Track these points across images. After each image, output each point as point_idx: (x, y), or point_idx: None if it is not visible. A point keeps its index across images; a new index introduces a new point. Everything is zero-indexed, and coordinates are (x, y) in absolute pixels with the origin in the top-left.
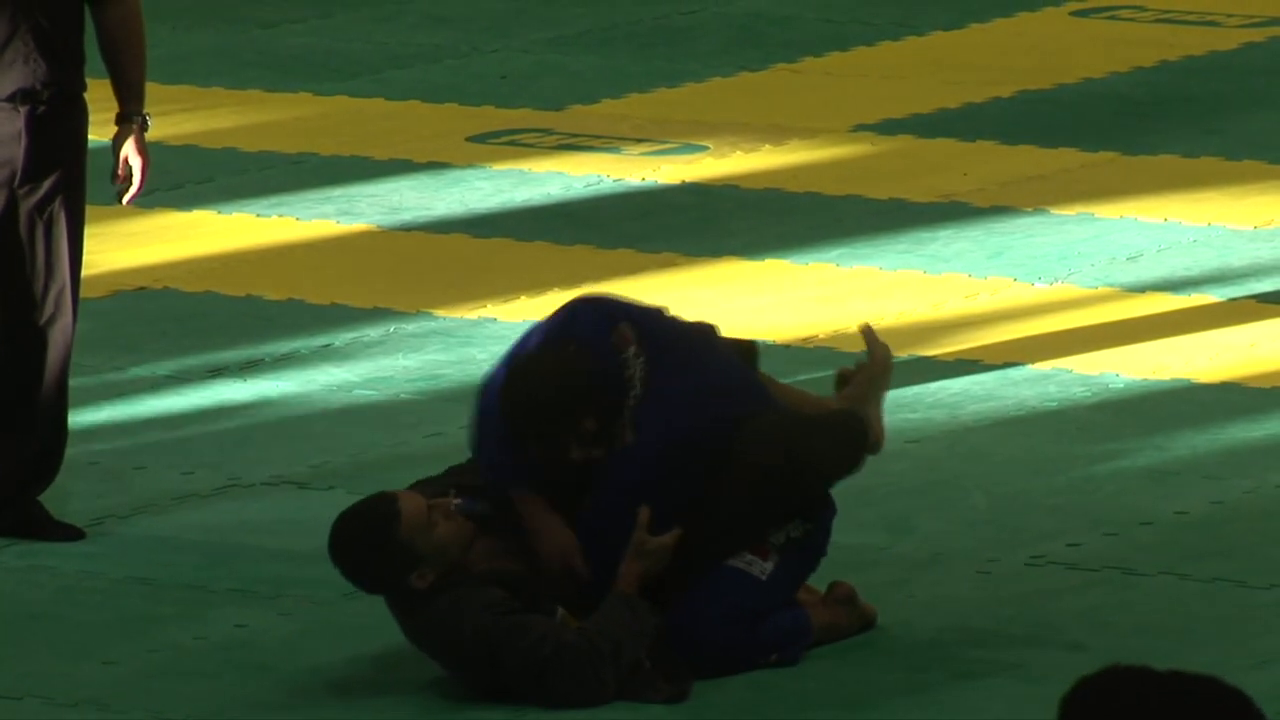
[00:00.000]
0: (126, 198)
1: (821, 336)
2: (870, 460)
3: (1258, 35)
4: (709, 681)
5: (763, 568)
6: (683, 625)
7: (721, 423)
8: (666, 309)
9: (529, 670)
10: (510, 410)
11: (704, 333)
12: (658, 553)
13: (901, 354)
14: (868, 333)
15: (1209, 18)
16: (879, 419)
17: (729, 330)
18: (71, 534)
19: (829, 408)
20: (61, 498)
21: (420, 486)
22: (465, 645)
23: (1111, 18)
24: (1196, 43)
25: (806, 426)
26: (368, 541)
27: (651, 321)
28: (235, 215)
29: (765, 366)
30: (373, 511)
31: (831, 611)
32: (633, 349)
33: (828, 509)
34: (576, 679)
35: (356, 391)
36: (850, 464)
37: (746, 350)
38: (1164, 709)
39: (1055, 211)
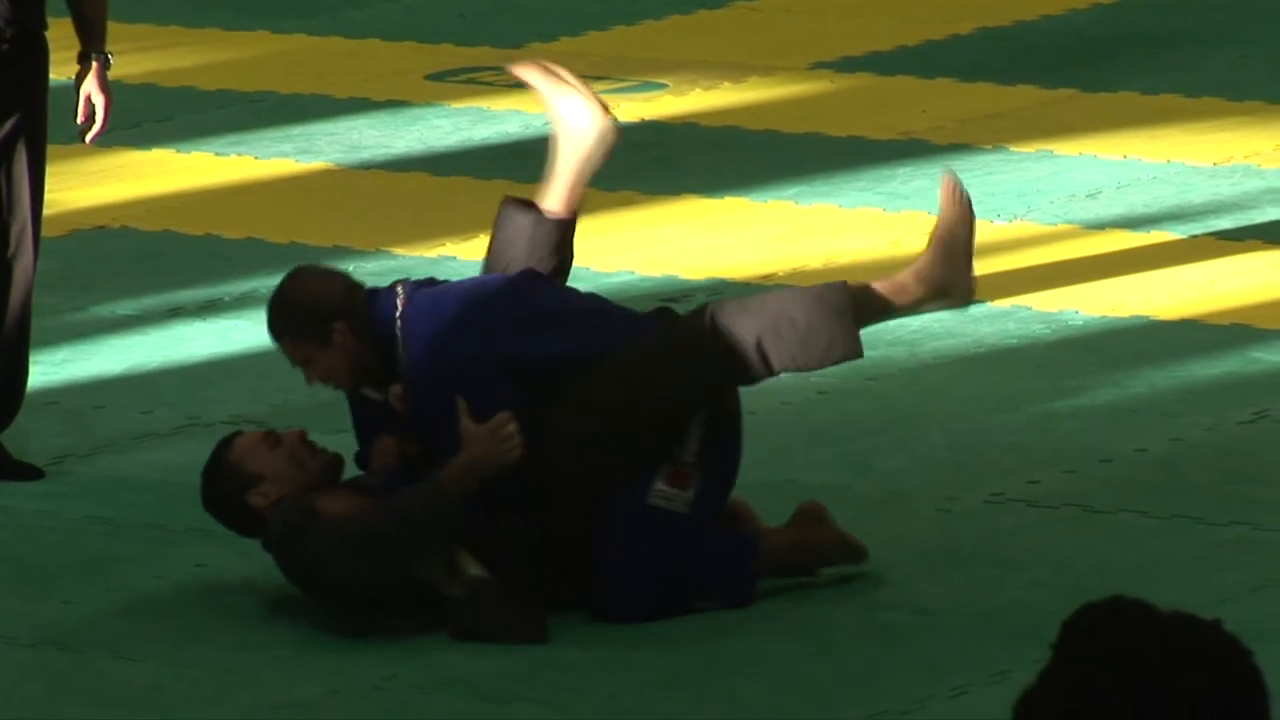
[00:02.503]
0: (90, 136)
1: (781, 274)
2: (828, 398)
3: None
4: (666, 622)
5: (685, 499)
6: (608, 582)
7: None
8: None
9: (321, 570)
10: (270, 305)
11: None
12: (483, 438)
13: None
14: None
15: None
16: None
17: (689, 270)
18: (30, 473)
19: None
20: (21, 437)
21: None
22: (276, 555)
23: None
24: None
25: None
26: (205, 475)
27: (428, 281)
28: (194, 154)
29: None
30: (212, 454)
31: (796, 530)
32: (401, 288)
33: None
34: (356, 576)
35: None
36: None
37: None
38: (1165, 645)
39: (1014, 149)
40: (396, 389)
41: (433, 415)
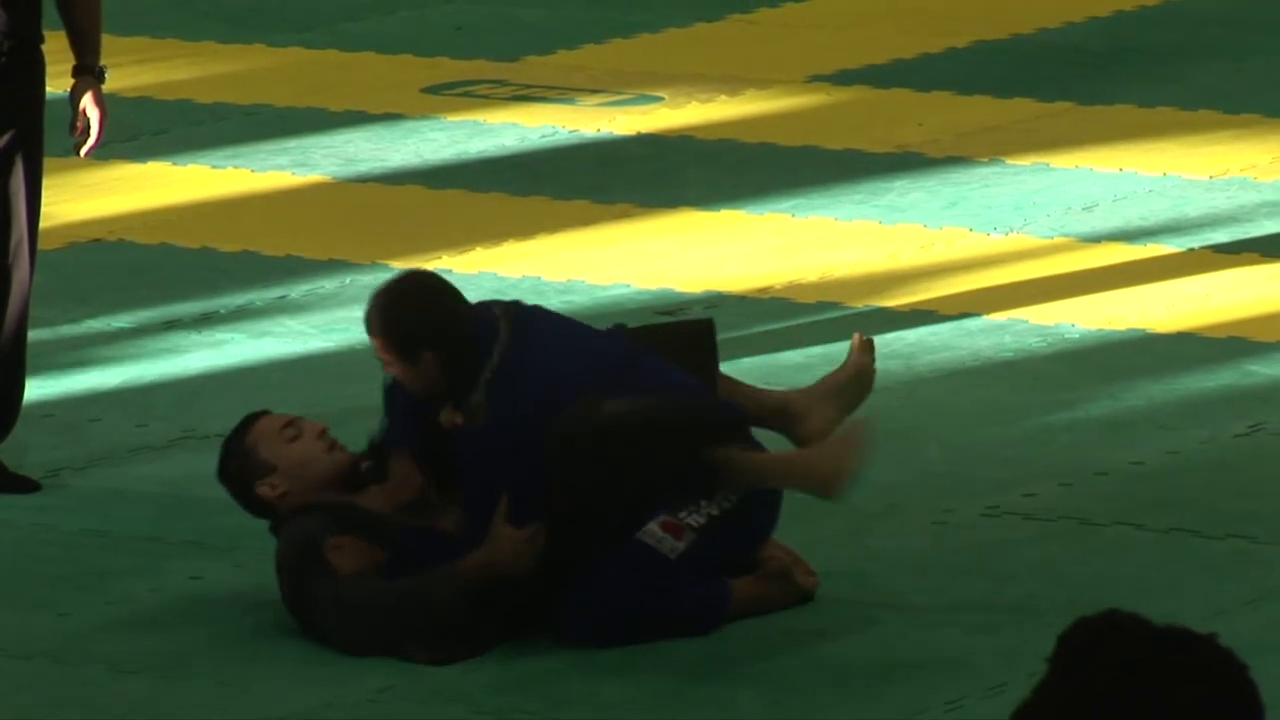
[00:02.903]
0: (84, 150)
1: (777, 287)
2: None
3: None
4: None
5: (673, 546)
6: (572, 598)
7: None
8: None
9: (318, 617)
10: (374, 306)
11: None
12: (508, 545)
13: (857, 304)
14: (858, 342)
15: None
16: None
17: (685, 283)
18: (27, 486)
19: (770, 400)
20: (17, 450)
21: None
22: (278, 566)
23: None
24: None
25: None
26: (222, 456)
27: (522, 308)
28: (190, 167)
29: (722, 318)
30: (233, 431)
31: (761, 586)
32: (501, 325)
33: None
34: (346, 631)
35: (312, 343)
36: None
37: (703, 329)
38: (1160, 659)
39: (1011, 162)
40: (451, 415)
41: (479, 475)
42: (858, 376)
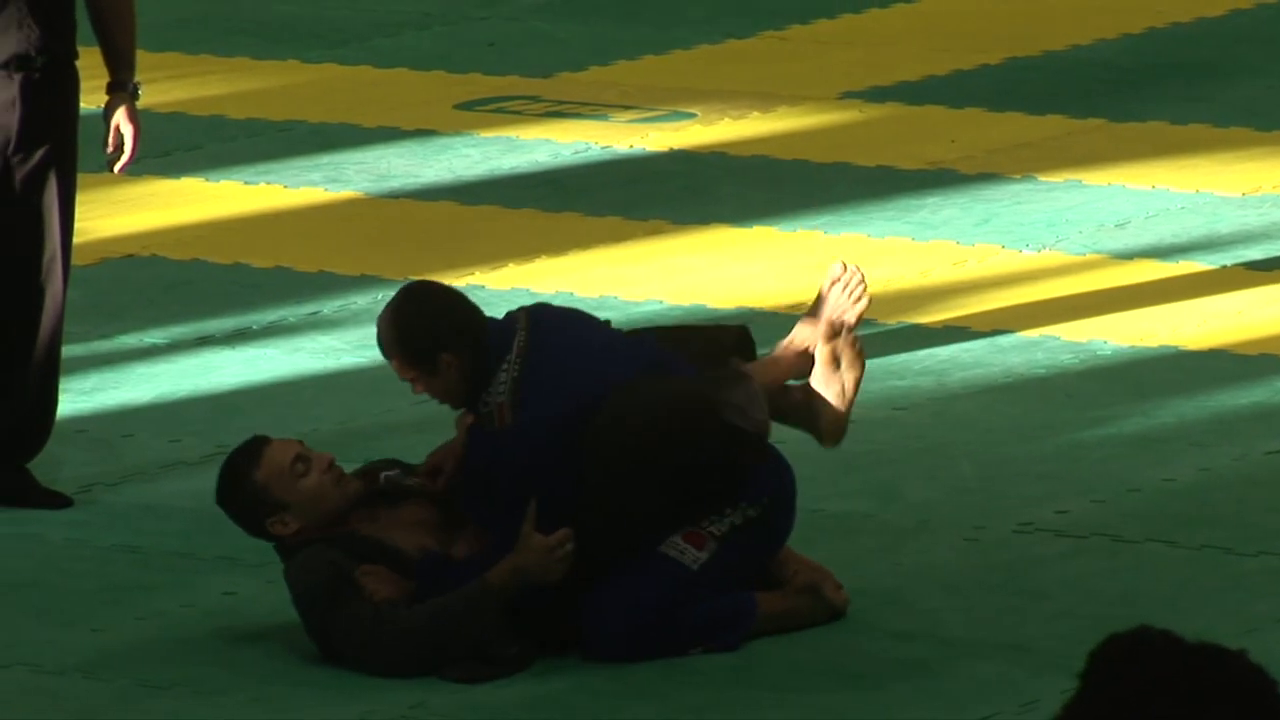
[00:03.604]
0: (118, 166)
1: (809, 304)
2: (856, 427)
3: (1245, 2)
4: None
5: (695, 556)
6: (596, 611)
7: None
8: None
9: (349, 642)
10: (381, 321)
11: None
12: (538, 551)
13: (889, 321)
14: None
15: None
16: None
17: (717, 299)
18: (59, 502)
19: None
20: (50, 465)
21: (374, 463)
22: (302, 605)
23: None
24: (1184, 10)
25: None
26: (227, 486)
27: (544, 311)
28: (223, 183)
29: (754, 334)
30: (236, 456)
31: (790, 601)
32: (520, 326)
33: (774, 492)
34: (386, 658)
35: (344, 359)
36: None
37: (738, 336)
38: (1191, 676)
39: (1043, 178)
40: (466, 418)
41: (508, 481)
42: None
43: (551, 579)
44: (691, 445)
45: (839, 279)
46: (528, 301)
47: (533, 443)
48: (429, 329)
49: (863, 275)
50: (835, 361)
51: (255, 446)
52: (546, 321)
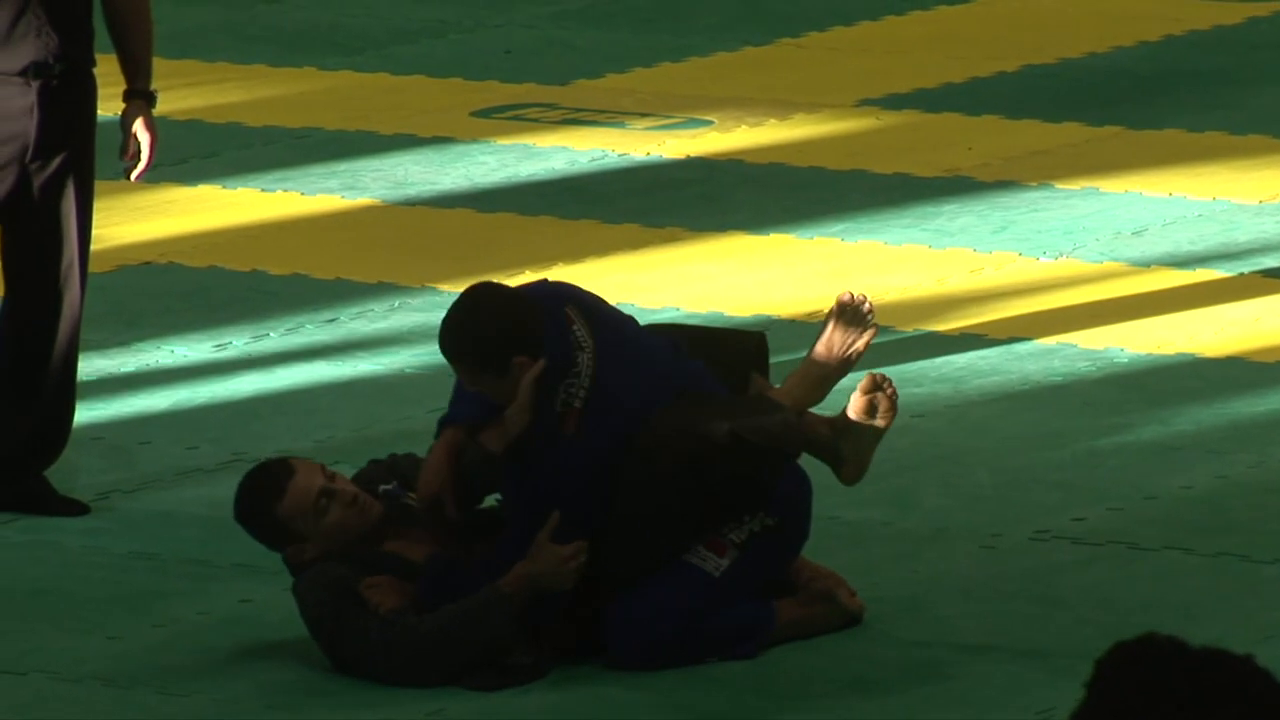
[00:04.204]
0: (135, 174)
1: (826, 312)
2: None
3: (1263, 10)
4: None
5: (717, 564)
6: (621, 619)
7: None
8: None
9: (361, 657)
10: (450, 326)
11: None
12: (552, 560)
13: (906, 328)
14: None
15: None
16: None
17: (734, 307)
18: (76, 509)
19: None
20: (67, 473)
21: (373, 466)
22: (311, 623)
23: None
24: (1201, 17)
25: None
26: (248, 511)
27: (596, 311)
28: (240, 190)
29: (771, 342)
30: (259, 483)
31: (806, 609)
32: (578, 329)
33: (791, 500)
34: (401, 670)
35: (361, 366)
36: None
37: (757, 344)
38: (1196, 681)
39: (1060, 186)
40: (533, 372)
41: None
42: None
43: (562, 587)
44: (726, 473)
45: (846, 306)
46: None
47: (599, 457)
48: (499, 333)
49: (870, 304)
50: (870, 411)
51: (279, 476)
52: (599, 324)
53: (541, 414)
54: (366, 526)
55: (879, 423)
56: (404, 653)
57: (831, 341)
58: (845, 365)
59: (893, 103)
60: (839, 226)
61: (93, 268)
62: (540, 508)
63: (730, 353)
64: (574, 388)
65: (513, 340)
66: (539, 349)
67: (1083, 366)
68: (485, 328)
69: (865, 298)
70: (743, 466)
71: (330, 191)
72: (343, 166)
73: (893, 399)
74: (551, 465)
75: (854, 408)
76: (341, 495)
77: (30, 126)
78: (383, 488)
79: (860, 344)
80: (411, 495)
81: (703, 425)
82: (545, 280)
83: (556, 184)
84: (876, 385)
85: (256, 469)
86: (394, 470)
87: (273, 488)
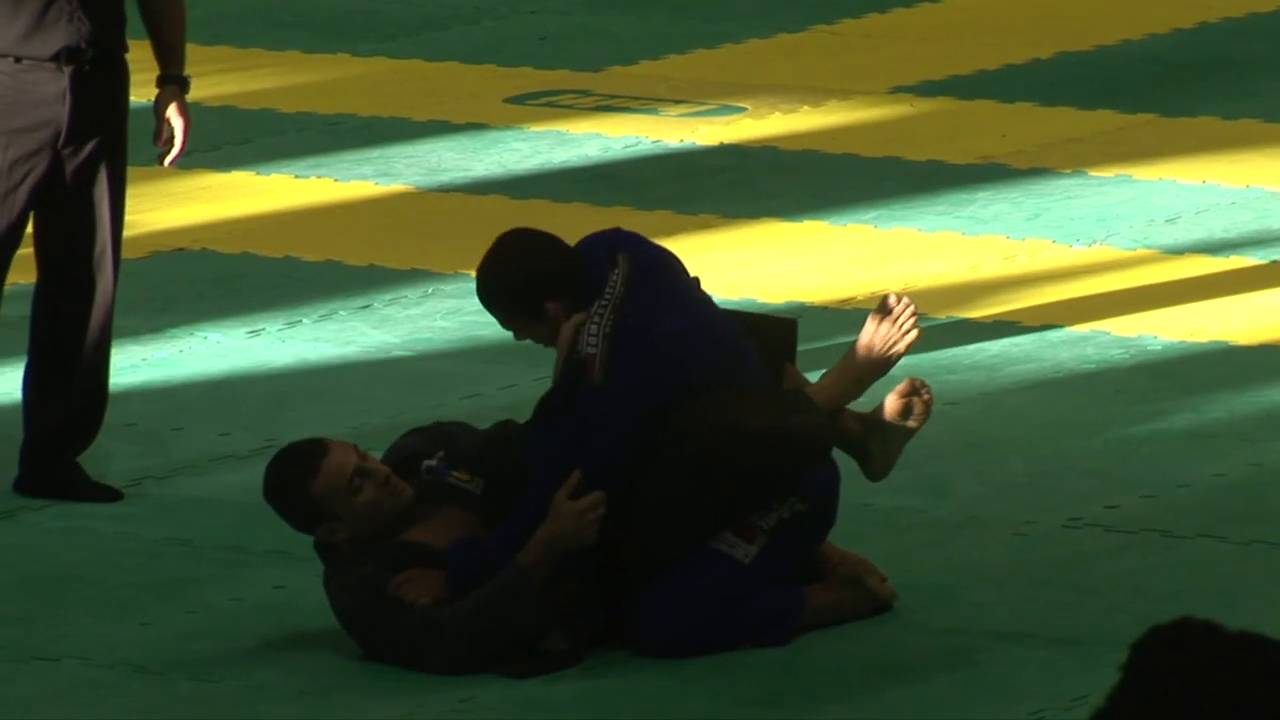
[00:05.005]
0: (168, 160)
1: (860, 298)
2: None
3: None
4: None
5: (746, 550)
6: (651, 607)
7: (687, 383)
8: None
9: (399, 655)
10: (480, 273)
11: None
12: (570, 516)
13: (940, 316)
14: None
15: None
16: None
17: (767, 293)
18: (109, 495)
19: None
20: (100, 459)
21: (416, 434)
22: (345, 626)
23: None
24: (1235, 4)
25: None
26: (281, 488)
27: (651, 261)
28: (273, 176)
29: (804, 329)
30: (294, 461)
31: (834, 593)
32: (618, 274)
33: (821, 486)
34: (440, 664)
35: (394, 352)
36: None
37: (788, 329)
38: (1231, 665)
39: (1093, 173)
40: (577, 318)
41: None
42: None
43: (585, 543)
44: (757, 471)
45: (889, 310)
46: None
47: (622, 403)
48: (530, 278)
49: (914, 308)
50: (905, 414)
51: (313, 455)
52: (643, 269)
53: (566, 364)
54: (398, 508)
55: (911, 424)
56: (440, 648)
57: (873, 341)
58: (885, 365)
59: (927, 90)
60: (872, 213)
61: (126, 254)
62: (561, 463)
63: (762, 339)
64: (593, 336)
65: (540, 286)
66: (573, 293)
67: (1116, 354)
68: (514, 273)
69: (910, 300)
70: (775, 462)
71: (364, 178)
72: (376, 153)
73: (928, 404)
74: (573, 415)
75: (889, 409)
76: (375, 475)
77: (62, 112)
78: (426, 464)
79: (902, 345)
80: (457, 474)
81: (740, 419)
82: (618, 229)
83: (590, 171)
84: (915, 390)
85: (290, 447)
86: (440, 439)
87: (307, 466)
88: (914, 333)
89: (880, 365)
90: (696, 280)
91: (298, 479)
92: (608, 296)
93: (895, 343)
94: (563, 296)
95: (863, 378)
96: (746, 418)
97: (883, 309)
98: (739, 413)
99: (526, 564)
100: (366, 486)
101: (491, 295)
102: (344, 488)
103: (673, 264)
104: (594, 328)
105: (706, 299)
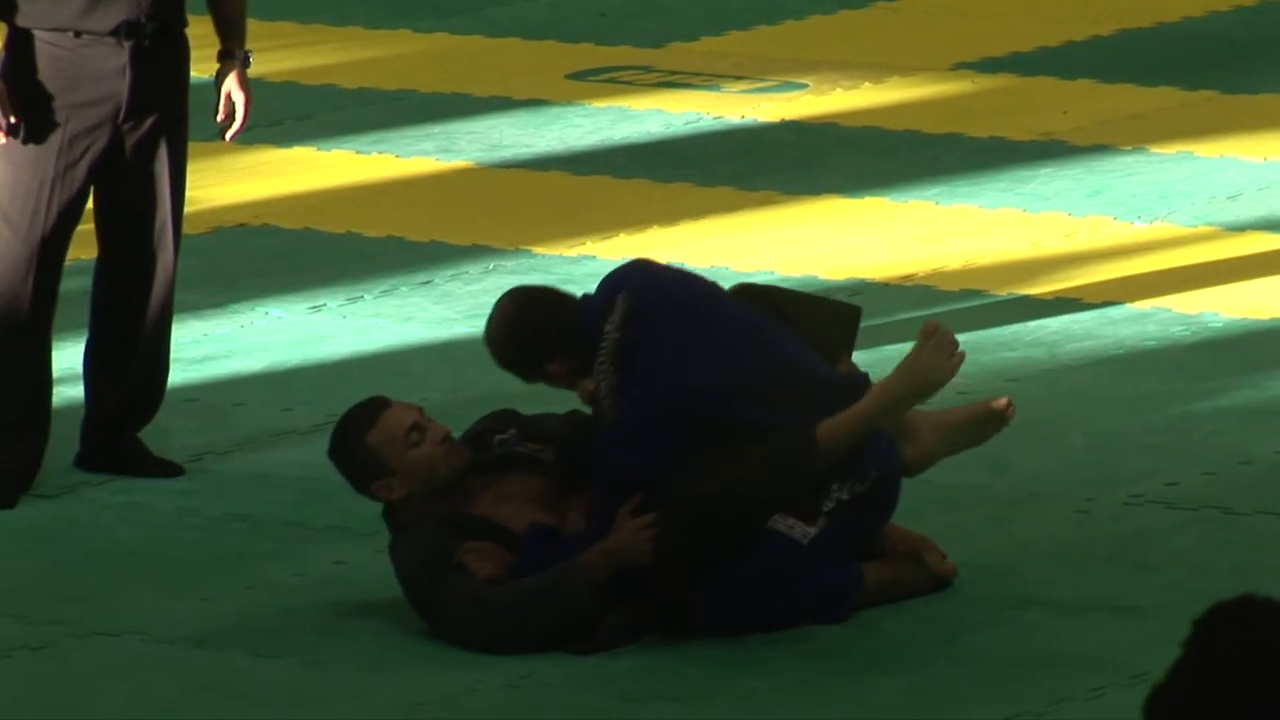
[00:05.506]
0: (229, 134)
1: (920, 275)
2: (968, 399)
3: None
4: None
5: (805, 531)
6: (709, 588)
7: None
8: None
9: (447, 620)
10: (487, 341)
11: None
12: (630, 532)
13: (1000, 292)
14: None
15: None
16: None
17: (828, 270)
18: (170, 470)
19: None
20: (161, 434)
21: (492, 416)
22: (405, 582)
23: None
24: None
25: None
26: (341, 440)
27: (654, 294)
28: (335, 152)
29: (866, 305)
30: (354, 415)
31: (894, 570)
32: (614, 321)
33: (884, 464)
34: (484, 638)
35: (456, 328)
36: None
37: (850, 315)
38: None
39: (1154, 150)
40: (587, 384)
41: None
42: (976, 423)
43: (642, 560)
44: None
45: (932, 335)
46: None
47: (640, 434)
48: (518, 348)
49: (954, 336)
50: (970, 427)
51: (374, 408)
52: (644, 307)
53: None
54: (454, 472)
55: (971, 438)
56: (485, 622)
57: (915, 366)
58: (927, 390)
59: (987, 66)
60: (933, 190)
61: (188, 229)
62: (611, 491)
63: (824, 321)
64: (604, 395)
65: (535, 353)
66: (569, 348)
67: (1177, 331)
68: (508, 343)
69: (949, 330)
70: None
71: (425, 154)
72: (438, 129)
73: (998, 430)
74: (600, 455)
75: (962, 416)
76: (434, 432)
77: (122, 87)
78: (499, 437)
79: (944, 371)
80: (530, 445)
81: (736, 488)
82: (635, 262)
83: (651, 147)
84: (996, 417)
85: (355, 405)
86: (515, 420)
87: (365, 419)
88: (958, 358)
89: (922, 390)
90: (720, 291)
91: (355, 431)
92: (603, 351)
93: (943, 371)
94: (560, 355)
95: (901, 402)
96: (742, 485)
97: (924, 336)
98: (733, 480)
99: (583, 565)
100: (424, 442)
101: (500, 364)
102: (400, 440)
103: (682, 293)
104: (604, 386)
105: (735, 312)
